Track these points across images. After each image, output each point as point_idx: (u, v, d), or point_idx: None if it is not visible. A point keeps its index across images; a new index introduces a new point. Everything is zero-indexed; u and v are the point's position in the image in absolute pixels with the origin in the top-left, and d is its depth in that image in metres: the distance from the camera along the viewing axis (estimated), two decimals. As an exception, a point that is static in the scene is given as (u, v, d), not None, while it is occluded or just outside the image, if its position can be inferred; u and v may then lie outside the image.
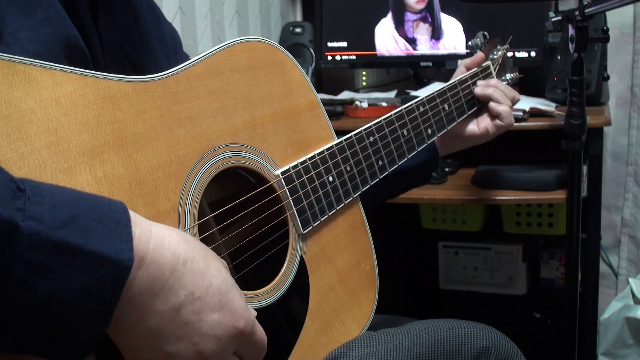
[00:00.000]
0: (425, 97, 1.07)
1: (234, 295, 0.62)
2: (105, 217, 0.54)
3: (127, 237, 0.54)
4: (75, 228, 0.51)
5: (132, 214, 0.56)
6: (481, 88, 1.18)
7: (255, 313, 0.67)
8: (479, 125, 1.19)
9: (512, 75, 1.30)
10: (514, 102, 1.21)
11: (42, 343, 0.52)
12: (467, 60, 1.23)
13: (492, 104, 1.17)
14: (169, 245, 0.58)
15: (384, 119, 0.99)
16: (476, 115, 1.20)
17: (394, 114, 1.01)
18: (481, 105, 1.20)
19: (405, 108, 1.03)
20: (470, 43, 1.25)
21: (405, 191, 1.24)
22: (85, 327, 0.52)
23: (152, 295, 0.56)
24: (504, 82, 1.28)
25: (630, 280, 1.88)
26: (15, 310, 0.49)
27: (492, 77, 1.24)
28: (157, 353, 0.58)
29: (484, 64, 1.23)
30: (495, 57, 1.26)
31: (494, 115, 1.18)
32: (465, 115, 1.17)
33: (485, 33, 1.26)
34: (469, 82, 1.18)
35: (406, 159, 1.02)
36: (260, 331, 0.65)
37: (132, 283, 0.54)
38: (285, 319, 0.81)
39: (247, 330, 0.62)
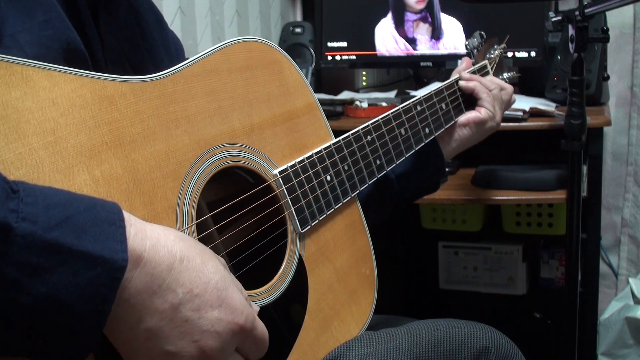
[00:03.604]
0: (423, 96, 1.07)
1: (233, 292, 0.62)
2: (99, 218, 0.54)
3: (121, 237, 0.54)
4: (69, 229, 0.51)
5: (126, 214, 0.56)
6: (465, 81, 1.17)
7: (257, 309, 0.67)
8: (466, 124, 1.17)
9: (509, 74, 1.30)
10: (503, 93, 1.19)
11: (39, 346, 0.52)
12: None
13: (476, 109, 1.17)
14: (165, 244, 0.58)
15: (381, 118, 0.99)
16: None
17: (391, 113, 1.01)
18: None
19: (402, 107, 1.03)
20: (467, 43, 1.26)
21: (413, 199, 1.23)
22: (81, 329, 0.52)
23: (150, 295, 0.56)
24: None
25: (630, 280, 1.88)
26: (11, 312, 0.49)
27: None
28: (157, 353, 0.58)
29: (481, 63, 1.24)
30: (492, 56, 1.27)
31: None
32: (463, 114, 1.17)
33: (482, 33, 1.26)
34: None
35: (404, 157, 1.02)
36: (261, 326, 0.65)
37: (129, 283, 0.54)
38: (284, 318, 0.81)
39: (248, 326, 0.62)
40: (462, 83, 1.16)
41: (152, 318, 0.56)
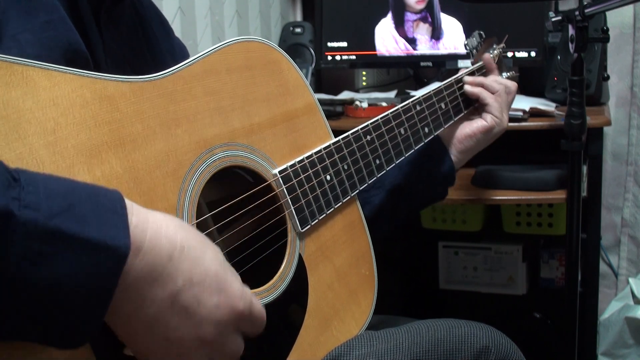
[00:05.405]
0: (422, 95, 1.08)
1: (232, 279, 0.63)
2: (101, 206, 0.54)
3: (123, 225, 0.54)
4: (71, 216, 0.52)
5: (128, 202, 0.56)
6: (470, 86, 1.16)
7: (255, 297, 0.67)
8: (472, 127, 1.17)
9: (508, 74, 1.30)
10: (508, 92, 1.18)
11: (41, 331, 0.52)
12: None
13: (482, 114, 1.16)
14: (166, 233, 0.58)
15: (381, 118, 0.99)
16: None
17: (391, 113, 1.01)
18: (478, 104, 1.19)
19: (401, 107, 1.03)
20: (466, 42, 1.26)
21: (423, 207, 1.23)
22: (83, 315, 0.53)
23: (149, 283, 0.56)
24: None
25: (630, 280, 1.88)
26: (14, 298, 0.50)
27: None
28: (157, 340, 0.58)
29: (480, 63, 1.24)
30: (492, 55, 1.26)
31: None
32: (462, 114, 1.17)
33: (481, 32, 1.26)
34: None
35: (403, 157, 1.02)
36: (257, 307, 0.66)
37: (129, 271, 0.55)
38: (284, 318, 0.81)
39: (246, 311, 0.63)
40: (466, 88, 1.16)
41: (151, 306, 0.57)
